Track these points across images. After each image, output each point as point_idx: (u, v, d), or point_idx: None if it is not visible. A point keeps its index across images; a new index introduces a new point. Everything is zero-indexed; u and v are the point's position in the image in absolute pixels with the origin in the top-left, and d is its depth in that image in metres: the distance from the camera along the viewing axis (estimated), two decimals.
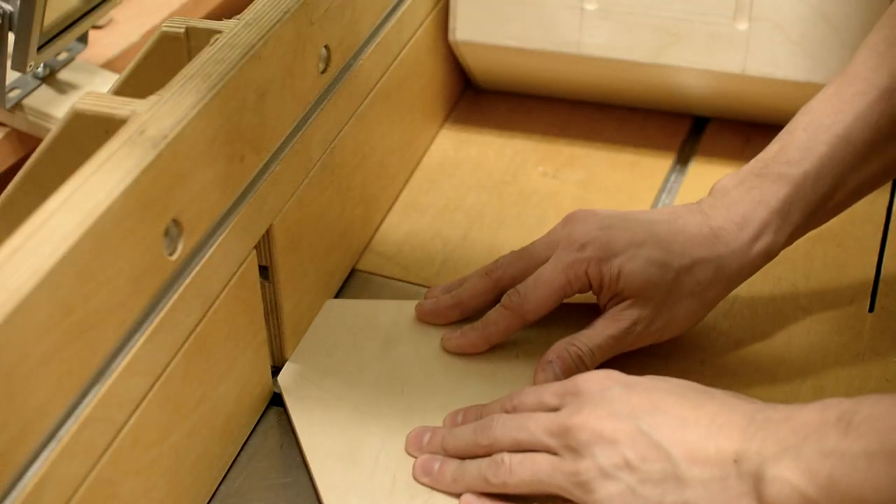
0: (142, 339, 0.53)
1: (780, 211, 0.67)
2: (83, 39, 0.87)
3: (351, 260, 0.79)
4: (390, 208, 0.85)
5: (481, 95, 0.97)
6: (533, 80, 0.93)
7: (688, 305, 0.67)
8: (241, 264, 0.62)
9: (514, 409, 0.62)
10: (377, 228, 0.83)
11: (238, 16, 0.64)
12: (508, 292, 0.69)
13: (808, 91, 0.83)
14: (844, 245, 0.79)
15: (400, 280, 0.79)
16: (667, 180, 0.88)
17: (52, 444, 0.48)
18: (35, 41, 0.75)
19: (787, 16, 0.82)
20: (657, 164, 0.89)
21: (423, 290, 0.77)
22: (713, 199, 0.69)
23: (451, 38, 0.89)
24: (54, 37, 0.78)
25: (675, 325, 0.68)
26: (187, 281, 0.56)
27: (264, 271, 0.67)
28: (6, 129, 0.83)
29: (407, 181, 0.88)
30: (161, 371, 0.55)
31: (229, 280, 0.61)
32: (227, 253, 0.60)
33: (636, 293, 0.66)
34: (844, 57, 0.81)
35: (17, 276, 0.45)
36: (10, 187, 0.62)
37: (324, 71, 0.70)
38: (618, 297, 0.67)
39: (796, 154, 0.67)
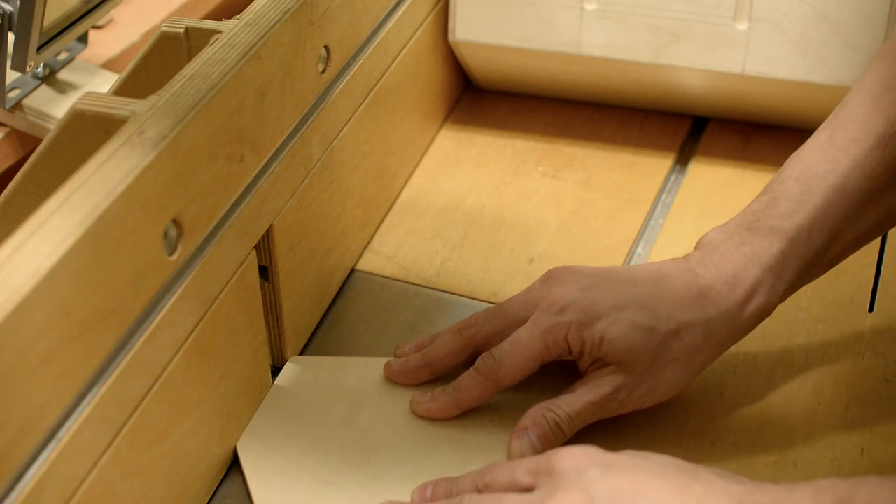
0: (142, 340, 0.53)
1: (773, 268, 0.63)
2: (83, 39, 0.87)
3: (351, 260, 0.79)
4: (390, 208, 0.85)
5: (481, 95, 0.97)
6: (533, 80, 0.93)
7: (674, 371, 0.63)
8: (241, 264, 0.62)
9: (485, 487, 0.57)
10: (377, 228, 0.83)
11: (238, 16, 0.64)
12: (483, 356, 0.65)
13: (808, 91, 0.83)
14: None
15: (400, 280, 0.79)
16: (667, 180, 0.88)
17: (52, 444, 0.48)
18: (35, 41, 0.75)
19: (787, 16, 0.82)
20: (657, 164, 0.89)
21: (422, 290, 0.77)
22: (701, 255, 0.64)
23: (451, 38, 0.89)
24: (54, 37, 0.78)
25: (659, 392, 0.63)
26: (187, 281, 0.56)
27: (264, 271, 0.67)
28: (6, 129, 0.83)
29: (407, 181, 0.88)
30: (161, 371, 0.55)
31: (229, 280, 0.61)
32: (227, 253, 0.60)
33: (620, 359, 0.62)
34: (845, 57, 0.81)
35: (17, 276, 0.45)
36: (10, 187, 0.62)
37: (323, 71, 0.70)
38: (600, 363, 0.63)
39: (789, 206, 0.63)
